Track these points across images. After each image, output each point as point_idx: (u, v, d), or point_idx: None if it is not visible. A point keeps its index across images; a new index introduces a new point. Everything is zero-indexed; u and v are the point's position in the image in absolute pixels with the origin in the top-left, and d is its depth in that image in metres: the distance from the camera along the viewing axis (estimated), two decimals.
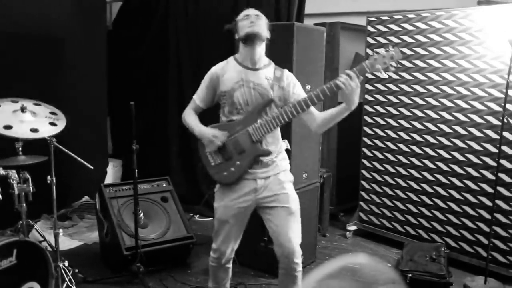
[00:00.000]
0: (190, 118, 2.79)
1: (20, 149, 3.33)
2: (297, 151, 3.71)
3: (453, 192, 3.91)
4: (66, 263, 3.34)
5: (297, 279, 2.71)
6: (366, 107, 4.46)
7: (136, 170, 3.53)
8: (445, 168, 3.94)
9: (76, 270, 3.48)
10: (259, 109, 2.61)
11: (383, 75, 2.50)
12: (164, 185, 4.13)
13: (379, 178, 4.42)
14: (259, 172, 2.64)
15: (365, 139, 4.51)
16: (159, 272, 3.71)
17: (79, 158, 3.43)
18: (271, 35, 2.64)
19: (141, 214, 3.70)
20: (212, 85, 2.72)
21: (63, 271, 3.28)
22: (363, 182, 4.56)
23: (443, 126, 3.94)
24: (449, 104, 3.90)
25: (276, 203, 2.65)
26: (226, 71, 2.67)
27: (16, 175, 3.16)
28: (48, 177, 3.27)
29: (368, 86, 4.44)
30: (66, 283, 3.26)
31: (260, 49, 2.63)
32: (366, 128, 4.49)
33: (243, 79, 2.61)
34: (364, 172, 4.54)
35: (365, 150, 4.52)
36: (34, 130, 3.11)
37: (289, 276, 2.71)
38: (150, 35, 5.74)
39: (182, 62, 5.49)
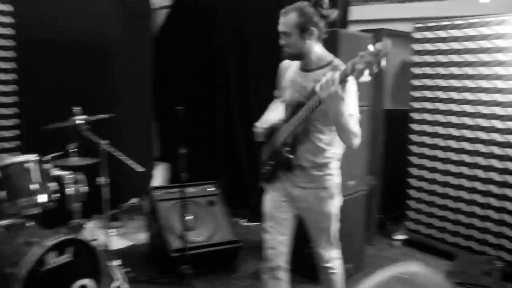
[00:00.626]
0: (271, 105, 2.84)
1: (74, 150, 3.47)
2: (344, 158, 3.66)
3: (508, 204, 3.78)
4: (118, 262, 3.43)
5: (330, 283, 2.71)
6: (413, 114, 4.38)
7: (184, 174, 3.59)
8: (498, 178, 3.82)
9: (127, 270, 3.57)
10: (291, 112, 2.52)
11: (366, 79, 2.10)
12: (212, 189, 4.18)
13: (428, 187, 4.32)
14: (297, 180, 2.57)
15: (412, 147, 4.43)
16: (205, 275, 3.76)
17: (128, 161, 3.52)
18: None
19: (189, 217, 3.76)
20: (279, 78, 2.71)
21: (114, 270, 3.37)
22: (411, 191, 4.47)
23: (495, 135, 3.82)
24: (501, 112, 3.78)
25: (309, 214, 2.64)
26: (288, 68, 2.64)
27: (70, 176, 3.28)
28: (99, 178, 3.38)
29: (414, 94, 4.37)
30: (117, 281, 3.35)
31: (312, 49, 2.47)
32: (413, 136, 4.41)
33: (294, 79, 2.57)
34: (412, 180, 4.46)
35: (412, 158, 4.44)
36: None
37: (323, 280, 2.74)
38: (196, 40, 5.83)
39: (229, 66, 5.55)
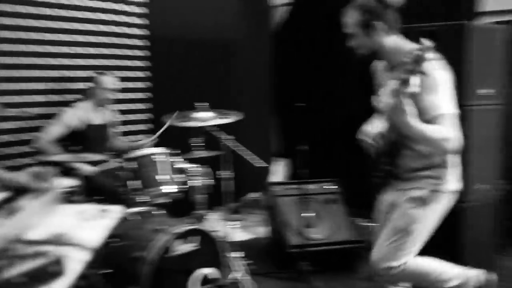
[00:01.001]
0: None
1: (200, 144, 3.63)
2: (474, 159, 3.40)
3: None
4: (240, 254, 3.52)
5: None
6: None
7: (304, 171, 3.58)
8: None
9: (248, 262, 3.65)
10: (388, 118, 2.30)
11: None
12: (332, 186, 4.13)
13: None
14: (398, 186, 2.41)
15: None
16: (324, 273, 3.71)
17: (247, 155, 3.59)
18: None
19: (309, 214, 3.75)
20: (374, 81, 2.60)
21: (235, 261, 3.47)
22: None
23: None
24: None
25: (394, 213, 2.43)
26: (379, 68, 2.54)
27: (196, 168, 3.43)
28: (221, 172, 3.49)
29: None
30: (239, 272, 3.43)
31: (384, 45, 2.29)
32: None
33: (383, 81, 2.44)
34: None
35: None
36: None
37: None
38: (317, 37, 5.78)
39: (349, 63, 5.42)
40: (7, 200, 1.77)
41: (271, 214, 4.03)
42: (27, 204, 1.70)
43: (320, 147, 5.64)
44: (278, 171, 5.97)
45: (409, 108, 2.01)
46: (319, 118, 5.79)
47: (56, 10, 4.04)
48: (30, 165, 3.90)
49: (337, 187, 4.14)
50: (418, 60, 1.88)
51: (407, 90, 1.93)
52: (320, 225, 3.86)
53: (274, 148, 6.35)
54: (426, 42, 1.90)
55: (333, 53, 5.56)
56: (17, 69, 3.85)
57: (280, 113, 6.22)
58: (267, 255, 4.10)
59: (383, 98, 2.03)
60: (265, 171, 5.65)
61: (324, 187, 4.10)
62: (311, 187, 4.02)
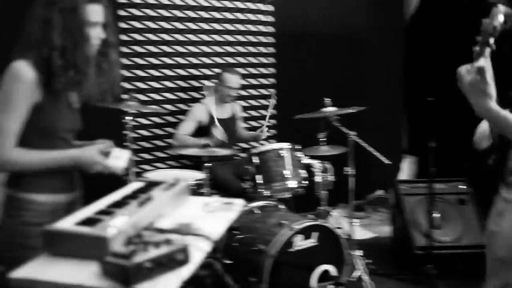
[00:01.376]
0: None
1: (323, 140, 3.62)
2: None
3: None
4: (360, 253, 3.46)
5: None
6: None
7: (433, 169, 3.41)
8: None
9: (369, 261, 3.58)
10: None
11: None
12: (462, 186, 3.89)
13: None
14: (504, 192, 2.01)
15: None
16: (450, 279, 3.50)
17: (375, 152, 3.50)
18: None
19: (436, 214, 3.57)
20: None
21: (356, 260, 3.41)
22: None
23: None
24: None
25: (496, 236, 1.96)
26: None
27: (319, 165, 3.42)
28: (347, 168, 3.45)
29: None
30: (358, 271, 3.38)
31: None
32: None
33: None
34: None
35: None
36: None
37: None
38: (451, 29, 5.45)
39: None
40: (140, 190, 1.92)
41: (396, 213, 3.90)
42: (158, 194, 1.83)
43: (450, 145, 5.34)
44: (406, 169, 5.76)
45: (490, 89, 1.74)
46: (449, 114, 5.47)
47: (185, 11, 4.28)
48: (165, 158, 4.27)
49: (467, 187, 3.88)
50: (487, 30, 1.68)
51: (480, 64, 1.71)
52: (448, 227, 3.65)
53: (404, 144, 6.12)
54: (501, 8, 1.65)
55: (467, 46, 5.21)
56: (150, 69, 4.16)
57: (410, 108, 5.98)
58: (388, 255, 3.99)
59: (463, 74, 1.78)
60: (392, 169, 5.48)
61: (454, 186, 3.87)
62: (440, 186, 3.82)
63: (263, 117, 4.80)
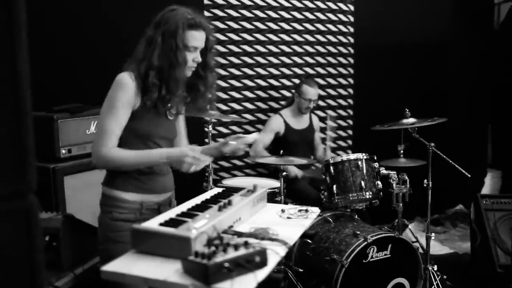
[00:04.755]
0: None
1: (402, 152, 3.58)
2: None
3: None
4: (435, 268, 3.38)
5: None
6: None
7: None
8: None
9: (445, 277, 3.48)
10: None
11: None
12: None
13: None
14: None
15: None
16: None
17: (456, 165, 3.41)
18: None
19: None
20: None
21: (431, 275, 3.34)
22: None
23: None
24: None
25: None
26: None
27: (396, 176, 3.39)
28: (425, 181, 3.38)
29: None
30: (433, 287, 3.31)
31: None
32: None
33: None
34: None
35: None
36: None
37: None
38: None
39: None
40: (220, 196, 2.04)
41: (477, 229, 3.76)
42: (237, 200, 1.93)
43: None
44: (489, 183, 5.52)
45: None
46: None
47: (266, 23, 4.39)
48: (242, 166, 4.39)
49: None
50: None
51: None
52: None
53: (489, 158, 5.88)
54: None
55: None
56: (231, 79, 4.30)
57: (497, 120, 5.73)
58: (466, 272, 3.85)
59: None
60: (475, 182, 5.28)
61: None
62: None
63: (340, 128, 4.81)
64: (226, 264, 1.35)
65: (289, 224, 1.93)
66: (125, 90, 1.94)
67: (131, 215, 2.02)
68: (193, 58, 2.01)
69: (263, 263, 1.45)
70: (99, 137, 1.95)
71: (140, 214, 2.03)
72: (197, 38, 1.99)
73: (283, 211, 2.06)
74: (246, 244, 1.45)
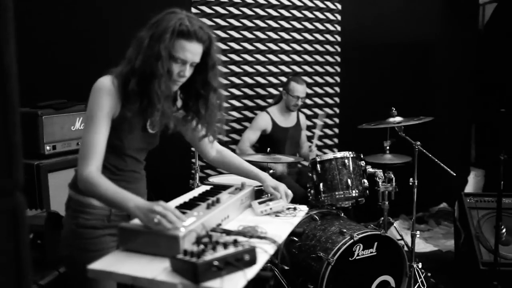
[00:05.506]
0: None
1: (388, 148, 3.60)
2: None
3: None
4: (420, 265, 3.41)
5: None
6: None
7: (502, 182, 3.31)
8: None
9: (429, 274, 3.52)
10: None
11: None
12: None
13: None
14: None
15: None
16: None
17: (441, 164, 3.44)
18: None
19: (503, 230, 3.46)
20: None
21: (416, 272, 3.37)
22: None
23: None
24: None
25: None
26: None
27: (382, 174, 3.41)
28: (411, 179, 3.41)
29: None
30: (418, 284, 3.33)
31: None
32: None
33: None
34: None
35: None
36: None
37: None
38: None
39: None
40: (208, 194, 2.02)
41: (461, 227, 3.80)
42: (225, 198, 1.92)
43: None
44: (472, 182, 5.59)
45: None
46: None
47: (254, 20, 4.38)
48: None
49: None
50: None
51: None
52: None
53: (472, 157, 5.95)
54: None
55: None
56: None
57: (480, 119, 5.80)
58: (450, 269, 3.89)
59: None
60: (459, 181, 5.34)
61: None
62: (508, 200, 3.69)
63: (327, 126, 4.83)
64: (215, 263, 1.35)
65: (278, 222, 1.93)
66: (105, 95, 1.74)
67: (98, 221, 1.84)
68: (178, 72, 1.79)
69: (252, 261, 1.44)
70: (81, 155, 1.73)
71: (108, 221, 1.86)
72: (186, 50, 1.75)
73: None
74: (235, 242, 1.45)
